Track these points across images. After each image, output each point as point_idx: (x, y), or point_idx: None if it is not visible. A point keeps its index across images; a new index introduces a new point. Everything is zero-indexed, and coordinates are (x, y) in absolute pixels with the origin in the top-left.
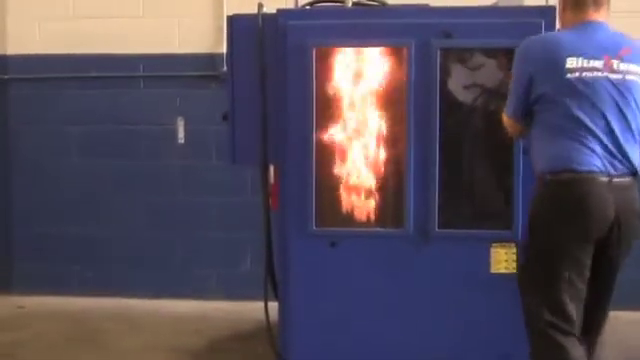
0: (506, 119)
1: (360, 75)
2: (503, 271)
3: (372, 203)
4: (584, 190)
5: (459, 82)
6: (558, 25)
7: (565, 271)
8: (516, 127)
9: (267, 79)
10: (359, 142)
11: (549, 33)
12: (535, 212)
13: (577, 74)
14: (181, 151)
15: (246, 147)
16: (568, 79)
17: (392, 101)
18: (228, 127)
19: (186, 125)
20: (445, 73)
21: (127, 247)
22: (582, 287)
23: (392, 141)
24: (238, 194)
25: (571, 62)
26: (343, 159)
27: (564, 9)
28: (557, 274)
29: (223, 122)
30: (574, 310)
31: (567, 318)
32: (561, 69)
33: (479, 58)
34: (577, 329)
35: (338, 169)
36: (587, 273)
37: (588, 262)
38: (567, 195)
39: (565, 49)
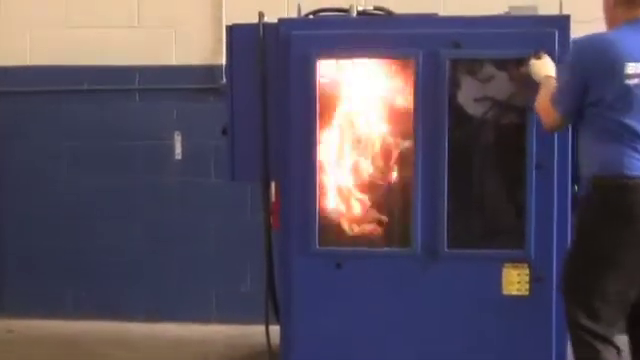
0: (551, 112)
1: (366, 87)
2: (515, 293)
3: (378, 221)
4: (635, 196)
5: (469, 95)
6: (606, 22)
7: (613, 279)
8: (560, 124)
9: (268, 92)
10: (365, 157)
11: (602, 33)
12: (584, 218)
13: (636, 80)
14: (178, 167)
15: (246, 163)
16: (627, 85)
17: (399, 114)
18: (227, 142)
19: (184, 140)
20: (454, 85)
21: (123, 267)
22: (630, 295)
23: (399, 156)
24: (238, 212)
25: (631, 68)
26: (347, 178)
27: (614, 5)
28: (605, 281)
29: (222, 137)
30: (617, 318)
31: (609, 326)
32: (619, 75)
33: (490, 69)
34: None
35: (343, 188)
36: (637, 280)
37: (637, 269)
38: (617, 201)
39: (623, 53)
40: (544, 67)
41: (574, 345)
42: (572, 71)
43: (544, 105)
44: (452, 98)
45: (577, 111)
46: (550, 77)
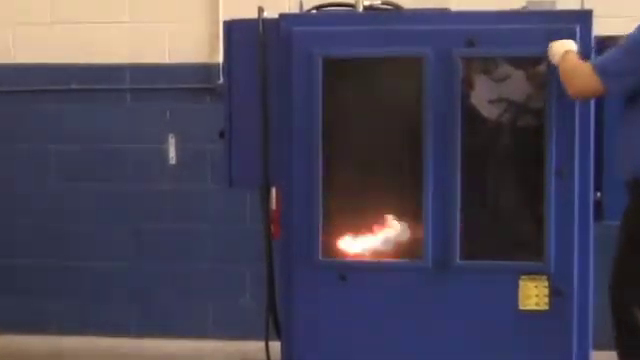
0: (592, 78)
1: (373, 88)
2: (533, 307)
3: (386, 231)
4: None
5: (483, 95)
6: None
7: None
8: (596, 90)
9: (268, 92)
10: (372, 162)
11: None
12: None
13: None
14: (172, 173)
15: (245, 168)
16: None
17: (408, 117)
18: (225, 146)
19: (178, 144)
20: (467, 86)
21: (112, 280)
22: None
23: (408, 162)
24: (236, 221)
25: None
26: (353, 183)
27: None
28: None
29: (219, 140)
30: None
31: None
32: None
33: (506, 69)
34: None
35: (348, 194)
36: None
37: None
38: None
39: None
40: (564, 44)
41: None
42: (635, 47)
43: (581, 70)
44: (465, 99)
45: (623, 90)
46: (571, 52)
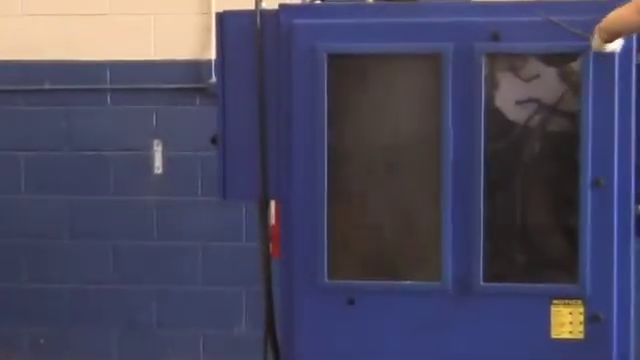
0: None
1: (384, 88)
2: (567, 336)
3: (400, 249)
4: None
5: (510, 96)
6: None
7: None
8: None
9: (267, 93)
10: (384, 172)
11: None
12: None
13: None
14: (158, 184)
15: (240, 179)
16: None
17: (424, 121)
18: (218, 153)
19: (164, 151)
20: (492, 86)
21: (90, 304)
22: None
23: (425, 171)
24: (230, 238)
25: None
26: (363, 196)
27: None
28: None
29: (211, 147)
30: None
31: None
32: None
33: (535, 66)
34: None
35: (357, 206)
36: None
37: None
38: None
39: None
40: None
41: None
42: None
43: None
44: (489, 101)
45: None
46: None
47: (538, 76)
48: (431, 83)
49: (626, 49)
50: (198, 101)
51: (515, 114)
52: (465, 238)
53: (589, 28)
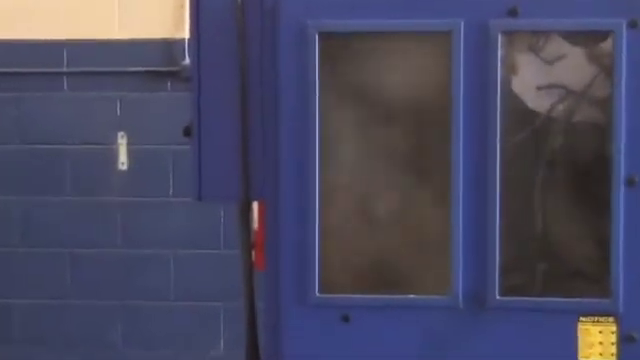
0: None
1: (385, 73)
2: (597, 358)
3: (402, 259)
4: None
5: (530, 82)
6: None
7: None
8: None
9: (249, 77)
10: (383, 169)
11: None
12: None
13: None
14: (123, 182)
15: (219, 176)
16: None
17: (431, 110)
18: (192, 147)
19: (130, 144)
20: (509, 69)
21: (44, 322)
22: None
23: (431, 168)
24: (206, 245)
25: None
26: (360, 194)
27: None
28: None
29: (184, 140)
30: None
31: None
32: None
33: (560, 46)
34: None
35: (353, 209)
36: None
37: None
38: None
39: None
40: None
41: None
42: None
43: None
44: (506, 87)
45: None
46: None
47: (563, 57)
48: (439, 66)
49: None
50: (169, 86)
51: (536, 102)
52: (478, 245)
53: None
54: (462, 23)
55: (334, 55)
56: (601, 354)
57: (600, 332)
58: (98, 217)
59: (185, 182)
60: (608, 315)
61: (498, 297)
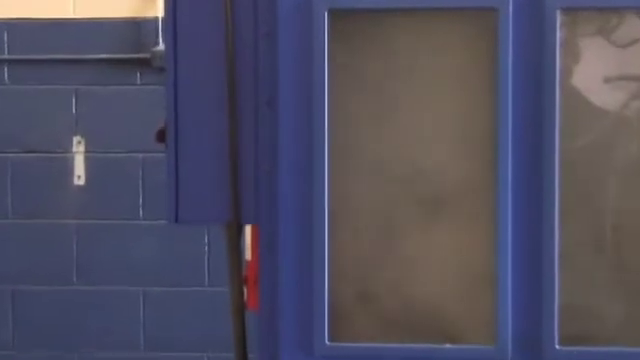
0: None
1: (411, 59)
2: None
3: (436, 299)
4: None
5: (595, 71)
6: None
7: None
8: None
9: (240, 68)
10: (408, 183)
11: None
12: None
13: None
14: (79, 200)
15: (200, 193)
16: None
17: (469, 108)
18: (167, 155)
19: (89, 152)
20: (570, 56)
21: None
22: None
23: (471, 184)
24: (186, 280)
25: None
26: (382, 217)
27: None
28: None
29: (157, 146)
30: None
31: None
32: None
33: (635, 27)
34: None
35: (373, 236)
36: None
37: None
38: None
39: None
40: None
41: None
42: None
43: None
44: (566, 78)
45: None
46: None
47: (637, 42)
48: (480, 52)
49: None
50: (138, 78)
51: (604, 97)
52: (531, 281)
53: None
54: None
55: (347, 38)
56: None
57: None
58: (47, 245)
59: (159, 200)
60: None
61: (557, 347)
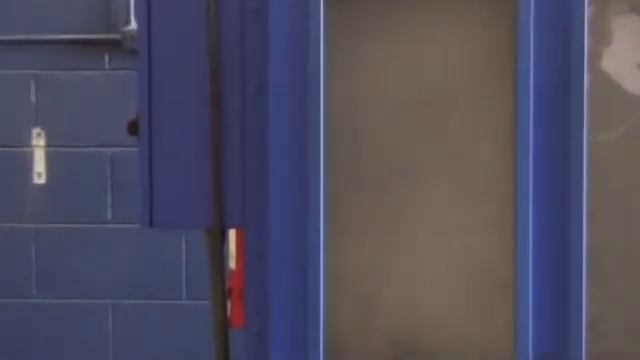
0: None
1: (417, 44)
2: None
3: (447, 311)
4: None
5: (628, 55)
6: None
7: None
8: None
9: (224, 51)
10: (417, 185)
11: None
12: None
13: None
14: (40, 201)
15: (178, 194)
16: None
17: (486, 96)
18: (140, 151)
19: (50, 146)
20: (599, 37)
21: None
22: None
23: (487, 180)
24: (161, 293)
25: None
26: (385, 220)
27: None
28: None
29: (129, 139)
30: None
31: None
32: None
33: None
34: None
35: (375, 241)
36: None
37: None
38: None
39: None
40: None
41: None
42: None
43: None
44: (594, 61)
45: None
46: None
47: None
48: (497, 34)
49: None
50: (107, 62)
51: (636, 83)
52: (556, 291)
53: None
54: None
55: (348, 20)
56: None
57: None
58: (2, 253)
59: (130, 201)
60: None
61: None
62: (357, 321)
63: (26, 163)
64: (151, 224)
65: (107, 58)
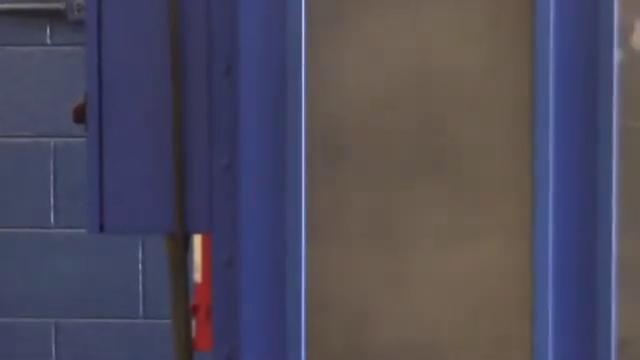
0: None
1: (416, 27)
2: None
3: (448, 329)
4: None
5: None
6: None
7: None
8: None
9: (186, 26)
10: (420, 182)
11: None
12: None
13: None
14: None
15: (133, 194)
16: None
17: (498, 84)
18: (88, 142)
19: None
20: (630, 7)
21: None
22: None
23: (501, 178)
24: (112, 310)
25: None
26: (378, 223)
27: None
28: None
29: (75, 128)
30: None
31: None
32: None
33: None
34: None
35: (365, 247)
36: None
37: None
38: None
39: None
40: None
41: None
42: None
43: None
44: (625, 36)
45: None
46: None
47: None
48: (511, 16)
49: None
50: (48, 37)
51: None
52: (581, 307)
53: None
54: None
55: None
56: None
57: None
58: None
59: (77, 202)
60: None
61: None
62: (344, 342)
63: None
64: (102, 229)
65: (48, 32)
